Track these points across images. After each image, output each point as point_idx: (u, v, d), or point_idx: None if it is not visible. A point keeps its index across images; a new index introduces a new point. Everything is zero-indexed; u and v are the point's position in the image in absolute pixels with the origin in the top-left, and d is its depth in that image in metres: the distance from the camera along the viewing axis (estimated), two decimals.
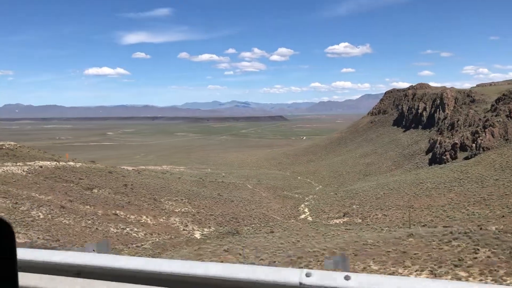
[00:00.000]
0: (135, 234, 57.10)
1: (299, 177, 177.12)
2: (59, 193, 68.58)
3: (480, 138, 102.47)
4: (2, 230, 2.58)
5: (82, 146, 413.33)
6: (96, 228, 55.58)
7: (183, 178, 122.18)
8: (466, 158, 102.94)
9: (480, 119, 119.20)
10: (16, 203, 56.21)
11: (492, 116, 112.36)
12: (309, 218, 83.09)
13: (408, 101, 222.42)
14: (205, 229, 67.87)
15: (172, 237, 59.86)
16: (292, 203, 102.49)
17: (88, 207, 65.53)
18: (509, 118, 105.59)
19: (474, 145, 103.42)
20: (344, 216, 77.45)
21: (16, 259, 2.62)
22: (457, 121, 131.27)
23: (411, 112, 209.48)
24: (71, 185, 76.77)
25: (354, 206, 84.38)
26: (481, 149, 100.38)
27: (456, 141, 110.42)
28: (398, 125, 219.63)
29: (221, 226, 70.69)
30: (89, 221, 57.82)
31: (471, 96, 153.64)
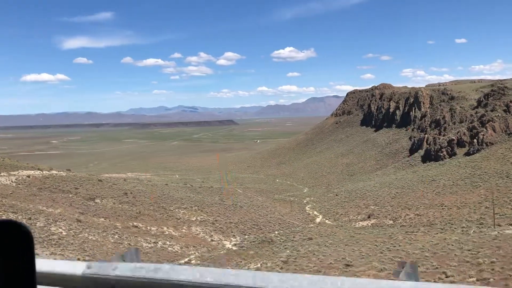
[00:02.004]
0: (171, 248, 50.14)
1: (277, 180, 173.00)
2: (64, 205, 60.10)
3: (482, 133, 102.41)
4: (21, 239, 2.50)
5: (27, 156, 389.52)
6: (129, 244, 48.13)
7: (170, 185, 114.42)
8: (468, 154, 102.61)
9: (472, 115, 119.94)
10: (30, 218, 47.72)
11: (487, 111, 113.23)
12: (328, 222, 78.57)
13: (376, 101, 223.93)
14: (232, 239, 61.61)
15: (209, 249, 53.32)
16: (295, 206, 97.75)
17: (102, 219, 57.56)
18: (507, 113, 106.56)
19: (475, 140, 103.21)
20: (369, 218, 73.50)
21: (35, 269, 2.56)
22: (443, 118, 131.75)
23: (380, 111, 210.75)
24: (70, 195, 68.08)
25: (372, 207, 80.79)
26: (483, 144, 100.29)
27: (453, 138, 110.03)
28: (367, 125, 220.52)
29: (245, 235, 64.67)
30: (116, 236, 50.19)
31: (448, 94, 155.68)
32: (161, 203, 75.44)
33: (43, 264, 3.58)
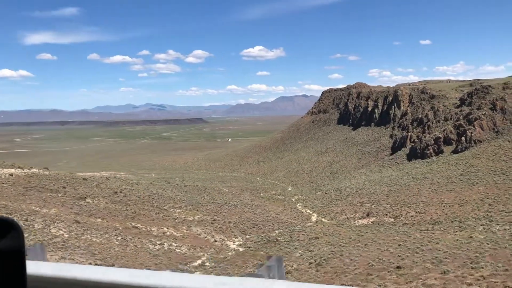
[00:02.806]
0: (179, 250, 47.49)
1: (258, 178, 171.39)
2: (56, 205, 56.34)
3: (470, 131, 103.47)
4: (10, 233, 2.48)
5: None
6: (135, 246, 45.25)
7: (154, 184, 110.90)
8: (456, 152, 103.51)
9: (457, 113, 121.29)
10: (27, 219, 44.12)
11: (472, 109, 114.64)
12: (324, 220, 77.23)
13: (353, 99, 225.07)
14: (234, 239, 59.29)
15: (217, 250, 50.87)
16: (286, 205, 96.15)
17: (100, 220, 54.22)
18: (494, 111, 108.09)
19: (463, 138, 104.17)
20: (368, 216, 72.53)
21: (25, 267, 2.55)
22: (425, 116, 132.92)
23: (358, 110, 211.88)
24: (59, 195, 64.15)
25: (368, 205, 79.96)
26: (472, 142, 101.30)
27: (439, 135, 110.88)
28: (344, 124, 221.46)
29: (246, 234, 62.47)
30: (119, 238, 47.15)
31: (427, 93, 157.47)
32: (153, 203, 72.32)
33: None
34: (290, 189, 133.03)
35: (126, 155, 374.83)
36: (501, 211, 56.80)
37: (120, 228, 52.05)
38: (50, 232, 42.49)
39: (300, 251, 48.94)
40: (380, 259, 33.03)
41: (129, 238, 47.74)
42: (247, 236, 61.72)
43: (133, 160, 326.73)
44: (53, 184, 70.30)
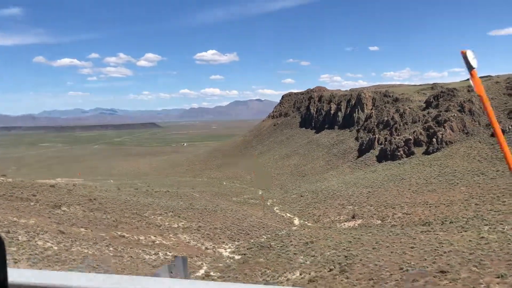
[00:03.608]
0: None
1: (224, 183, 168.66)
2: (32, 214, 51.76)
3: (440, 133, 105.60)
4: None
5: None
6: (130, 256, 41.91)
7: (123, 190, 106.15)
8: (427, 153, 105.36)
9: (424, 115, 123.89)
10: (8, 231, 39.84)
11: (440, 111, 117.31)
12: (309, 224, 75.97)
13: (314, 103, 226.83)
14: (225, 246, 56.70)
15: (214, 259, 48.15)
16: (265, 209, 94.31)
17: (83, 229, 50.16)
18: (463, 113, 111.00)
19: (434, 140, 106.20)
20: (354, 218, 71.82)
21: (6, 277, 2.53)
22: (392, 119, 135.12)
23: (320, 113, 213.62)
24: (32, 203, 59.27)
25: (349, 207, 79.41)
26: (443, 143, 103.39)
27: (409, 137, 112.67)
28: (307, 127, 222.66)
29: (235, 240, 60.03)
30: (110, 248, 43.60)
31: (390, 96, 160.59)
32: (132, 210, 68.46)
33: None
34: (260, 193, 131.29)
35: (79, 161, 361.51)
36: (490, 210, 57.44)
37: (108, 238, 48.33)
38: (37, 244, 38.51)
39: (302, 257, 47.15)
40: (407, 263, 31.75)
41: (121, 248, 44.27)
42: (237, 243, 59.32)
43: (88, 166, 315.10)
44: (22, 192, 65.06)
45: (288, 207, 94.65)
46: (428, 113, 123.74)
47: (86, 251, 40.38)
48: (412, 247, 39.13)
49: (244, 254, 51.44)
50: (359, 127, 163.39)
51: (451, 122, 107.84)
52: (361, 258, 35.90)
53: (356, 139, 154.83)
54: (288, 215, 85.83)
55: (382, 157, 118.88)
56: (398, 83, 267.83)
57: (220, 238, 60.43)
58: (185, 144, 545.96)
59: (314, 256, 46.48)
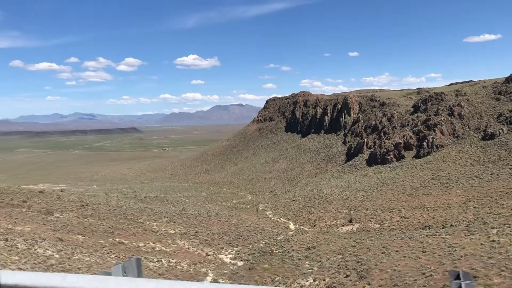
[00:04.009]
0: (180, 267, 43.10)
1: (211, 188, 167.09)
2: (26, 221, 49.71)
3: (431, 136, 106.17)
4: None
5: None
6: None
7: (112, 196, 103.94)
8: (418, 157, 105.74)
9: (413, 119, 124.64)
10: (7, 239, 37.95)
11: (429, 115, 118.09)
12: (305, 228, 75.10)
13: (300, 107, 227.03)
14: (224, 252, 55.40)
15: (217, 265, 46.84)
16: (259, 214, 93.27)
17: (80, 236, 48.36)
18: (452, 117, 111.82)
19: (425, 143, 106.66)
20: (351, 222, 71.25)
21: None
22: (380, 123, 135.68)
23: (306, 118, 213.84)
24: (24, 210, 57.13)
25: (345, 211, 78.91)
26: (434, 147, 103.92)
27: (400, 141, 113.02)
28: (292, 131, 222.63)
29: (233, 246, 58.80)
30: (112, 255, 41.98)
31: (377, 100, 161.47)
32: (126, 216, 66.64)
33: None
34: (249, 197, 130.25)
35: (59, 167, 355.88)
36: (489, 213, 57.49)
37: (107, 245, 46.65)
38: (38, 252, 36.73)
39: (307, 262, 46.29)
40: (427, 267, 31.11)
41: (123, 256, 42.68)
42: (235, 248, 58.11)
43: (69, 171, 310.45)
44: (11, 199, 62.72)
45: (281, 211, 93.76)
46: (417, 117, 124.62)
47: (88, 259, 38.73)
48: (423, 251, 38.57)
49: (247, 260, 50.27)
50: (346, 131, 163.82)
51: (441, 126, 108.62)
52: (376, 263, 35.14)
53: (344, 143, 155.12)
54: (282, 219, 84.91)
55: (372, 161, 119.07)
56: (378, 88, 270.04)
57: (218, 244, 59.14)
58: (166, 149, 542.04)
59: (320, 261, 45.67)
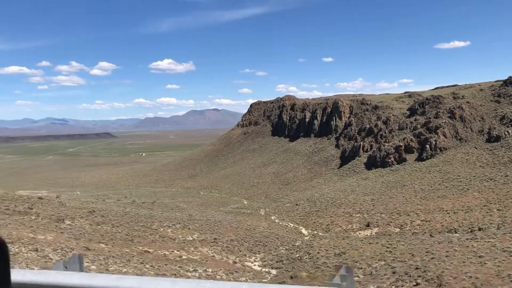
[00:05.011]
0: (219, 276, 40.46)
1: (201, 192, 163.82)
2: (41, 229, 46.03)
3: (434, 139, 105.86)
4: None
5: None
6: (174, 275, 37.39)
7: (108, 202, 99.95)
8: (420, 160, 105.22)
9: (412, 122, 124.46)
10: (36, 249, 34.59)
11: (430, 118, 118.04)
12: (320, 234, 73.00)
13: (287, 111, 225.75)
14: (249, 258, 52.83)
15: (254, 274, 44.22)
16: (262, 219, 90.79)
17: (103, 245, 45.05)
18: (453, 119, 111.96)
19: (427, 146, 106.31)
20: (368, 226, 69.54)
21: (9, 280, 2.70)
22: (375, 126, 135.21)
23: (294, 121, 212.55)
24: (33, 217, 53.29)
25: (357, 215, 77.27)
26: (437, 150, 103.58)
27: (400, 144, 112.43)
28: (280, 135, 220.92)
29: (255, 253, 56.29)
30: (148, 265, 38.93)
31: (368, 104, 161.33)
32: (138, 222, 63.27)
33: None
34: (245, 202, 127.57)
35: (34, 173, 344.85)
36: None
37: (135, 254, 43.50)
38: None
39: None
40: (506, 273, 29.37)
41: (158, 266, 39.65)
42: (258, 255, 55.61)
43: (46, 177, 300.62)
44: (16, 206, 58.65)
45: (286, 216, 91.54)
46: (415, 120, 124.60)
47: (125, 270, 35.63)
48: (479, 256, 36.92)
49: (280, 268, 47.87)
50: (338, 135, 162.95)
51: (443, 128, 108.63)
52: (441, 270, 33.20)
53: (337, 146, 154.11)
54: (291, 224, 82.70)
55: (371, 164, 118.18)
56: (351, 93, 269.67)
57: (240, 251, 56.51)
58: (143, 154, 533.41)
59: (361, 268, 43.58)
